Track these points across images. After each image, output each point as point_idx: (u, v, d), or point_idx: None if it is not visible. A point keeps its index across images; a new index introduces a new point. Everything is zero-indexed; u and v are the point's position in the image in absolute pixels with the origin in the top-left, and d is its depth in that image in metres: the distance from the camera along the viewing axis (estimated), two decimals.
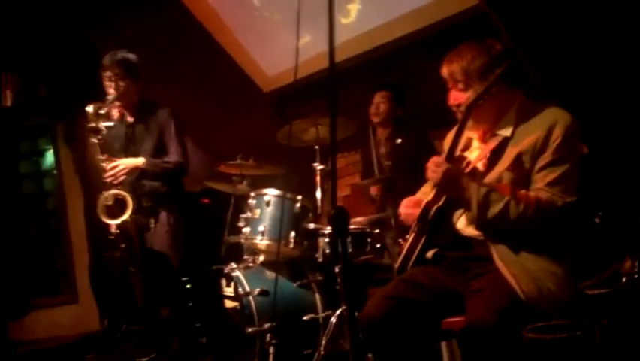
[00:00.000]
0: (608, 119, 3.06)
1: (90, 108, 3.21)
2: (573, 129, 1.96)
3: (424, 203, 2.12)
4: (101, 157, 3.27)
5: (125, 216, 3.15)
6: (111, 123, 3.36)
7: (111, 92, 3.30)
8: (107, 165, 3.23)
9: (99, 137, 3.25)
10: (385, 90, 3.92)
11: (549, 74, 3.21)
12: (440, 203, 2.05)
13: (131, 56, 3.37)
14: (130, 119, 3.43)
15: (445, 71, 2.11)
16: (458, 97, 2.08)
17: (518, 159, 1.97)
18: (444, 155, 2.07)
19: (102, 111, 3.24)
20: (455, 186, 1.99)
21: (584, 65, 3.13)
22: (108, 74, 3.30)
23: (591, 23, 3.00)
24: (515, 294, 1.88)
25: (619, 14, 2.89)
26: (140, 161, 3.28)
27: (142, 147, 3.37)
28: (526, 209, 1.90)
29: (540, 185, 1.94)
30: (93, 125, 3.22)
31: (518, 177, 1.97)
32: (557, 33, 3.14)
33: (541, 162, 1.95)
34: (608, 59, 3.04)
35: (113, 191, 3.22)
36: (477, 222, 1.98)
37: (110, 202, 3.20)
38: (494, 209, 1.91)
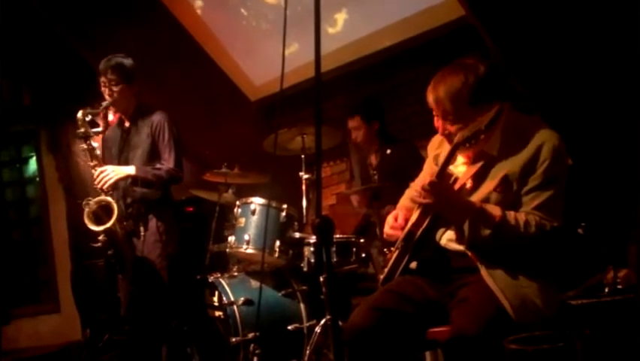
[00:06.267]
0: (592, 130, 3.09)
1: (80, 114, 3.20)
2: (560, 151, 1.94)
3: (408, 226, 2.08)
4: (91, 163, 3.25)
5: (111, 222, 3.12)
6: (99, 129, 3.33)
7: (107, 97, 3.29)
8: (96, 171, 3.20)
9: (88, 142, 3.23)
10: (354, 115, 3.84)
11: (534, 85, 3.24)
12: (425, 225, 2.03)
13: (126, 61, 3.33)
14: (127, 124, 3.41)
15: (430, 99, 2.01)
16: (448, 127, 2.00)
17: (505, 180, 1.95)
18: (434, 173, 1.99)
19: (87, 118, 3.23)
20: (447, 206, 1.96)
21: (569, 76, 3.16)
22: (102, 79, 3.29)
23: (577, 34, 3.04)
24: (501, 304, 1.88)
25: (604, 25, 2.94)
26: (130, 169, 3.25)
27: (135, 153, 3.33)
28: (516, 232, 1.90)
29: (528, 208, 1.94)
30: (82, 130, 3.20)
31: (506, 199, 1.96)
32: (543, 43, 3.18)
33: (529, 185, 1.94)
34: (592, 70, 3.08)
35: (98, 197, 3.19)
36: (468, 241, 1.95)
37: (95, 208, 3.17)
38: (486, 230, 1.91)
